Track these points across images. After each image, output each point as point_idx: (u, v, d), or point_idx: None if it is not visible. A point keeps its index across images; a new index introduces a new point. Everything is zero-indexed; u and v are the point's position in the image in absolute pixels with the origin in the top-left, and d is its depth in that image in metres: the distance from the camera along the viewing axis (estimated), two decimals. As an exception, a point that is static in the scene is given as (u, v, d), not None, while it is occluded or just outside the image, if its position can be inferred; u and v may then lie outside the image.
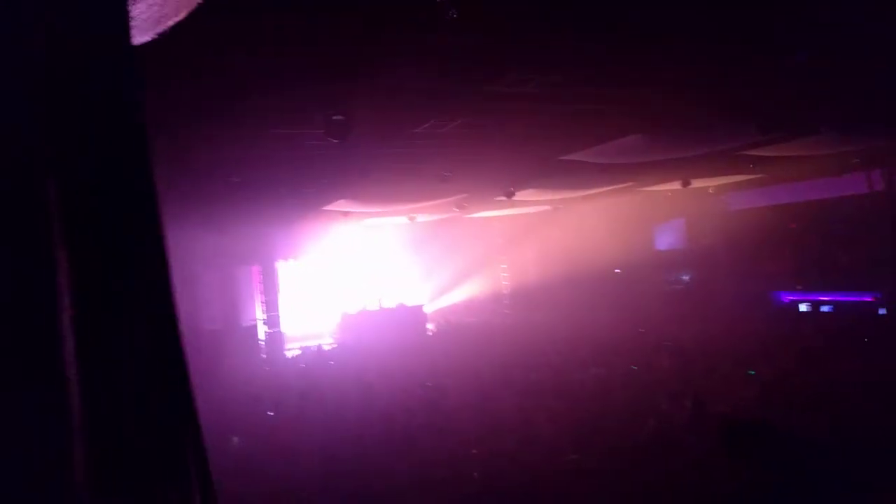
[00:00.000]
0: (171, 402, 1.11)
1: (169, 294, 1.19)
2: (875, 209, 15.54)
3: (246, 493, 6.58)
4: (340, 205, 13.06)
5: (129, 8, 1.27)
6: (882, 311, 14.89)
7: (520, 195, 13.55)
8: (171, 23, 1.75)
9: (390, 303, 19.88)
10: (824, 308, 16.61)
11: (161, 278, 1.16)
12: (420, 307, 20.23)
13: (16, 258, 1.00)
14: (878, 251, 15.59)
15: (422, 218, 17.87)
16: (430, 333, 19.75)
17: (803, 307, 17.10)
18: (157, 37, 1.71)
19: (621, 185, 14.40)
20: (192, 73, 4.84)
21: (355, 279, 20.86)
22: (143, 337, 1.11)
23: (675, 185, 14.90)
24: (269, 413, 10.38)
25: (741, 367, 10.30)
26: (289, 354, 18.34)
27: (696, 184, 15.10)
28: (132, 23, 1.51)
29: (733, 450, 2.29)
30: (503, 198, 13.37)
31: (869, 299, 15.78)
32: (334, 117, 6.05)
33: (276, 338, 18.80)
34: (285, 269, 20.10)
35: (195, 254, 16.62)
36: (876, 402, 7.55)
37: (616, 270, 20.80)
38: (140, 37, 1.67)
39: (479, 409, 9.50)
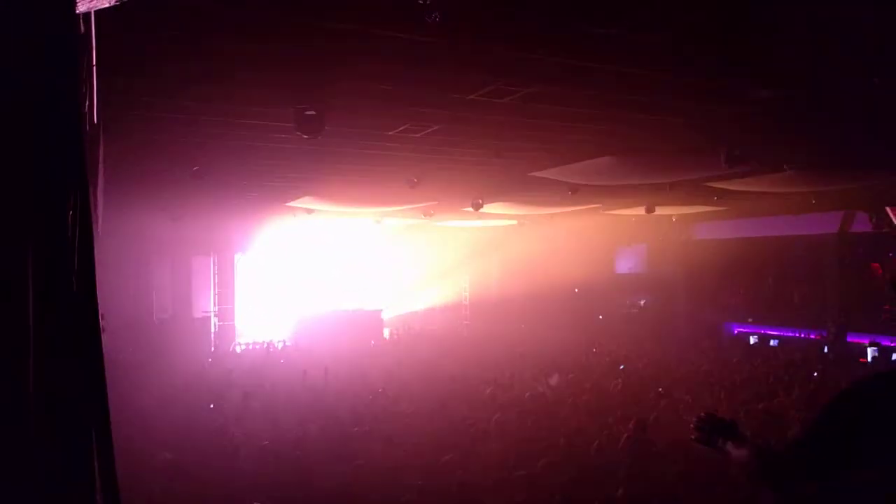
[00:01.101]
0: (78, 398, 1.05)
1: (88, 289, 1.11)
2: (826, 250, 16.06)
3: (178, 492, 6.34)
4: (306, 201, 12.84)
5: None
6: (825, 349, 15.35)
7: (488, 207, 13.55)
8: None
9: (349, 305, 19.64)
10: (773, 342, 17.06)
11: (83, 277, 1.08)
12: (378, 312, 20.04)
13: None
14: (827, 291, 16.10)
15: (389, 221, 17.74)
16: (388, 339, 19.57)
17: (752, 339, 17.52)
18: (116, 3, 1.58)
19: (587, 206, 14.55)
20: (158, 52, 4.67)
21: (315, 278, 20.55)
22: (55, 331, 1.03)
23: (640, 211, 15.12)
24: (210, 406, 10.08)
25: (689, 393, 10.45)
26: (238, 349, 17.92)
27: (660, 211, 15.35)
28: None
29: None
30: (471, 209, 13.35)
31: (814, 337, 16.27)
32: (307, 112, 5.91)
33: (227, 331, 18.37)
34: (243, 263, 19.68)
35: (150, 241, 16.12)
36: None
37: (575, 289, 21.00)
38: (97, 2, 1.54)
39: (428, 419, 9.41)
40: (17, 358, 1.04)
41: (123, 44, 4.12)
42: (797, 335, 16.72)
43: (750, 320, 18.22)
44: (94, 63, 4.01)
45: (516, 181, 10.83)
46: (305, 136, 6.01)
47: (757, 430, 8.09)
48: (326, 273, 20.78)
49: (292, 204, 13.19)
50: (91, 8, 1.63)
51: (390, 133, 7.43)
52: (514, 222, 18.97)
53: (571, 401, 10.38)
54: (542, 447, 7.76)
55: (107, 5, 1.56)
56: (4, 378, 1.04)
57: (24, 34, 1.09)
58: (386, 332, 19.88)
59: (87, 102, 4.50)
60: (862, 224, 14.85)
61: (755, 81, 5.62)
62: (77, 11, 1.39)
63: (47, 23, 1.12)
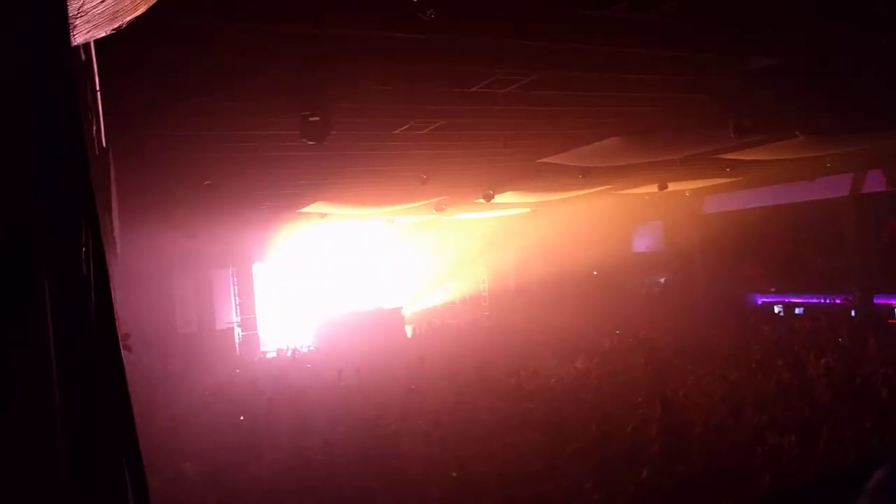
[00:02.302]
0: (106, 410, 1.09)
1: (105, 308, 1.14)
2: (843, 213, 15.82)
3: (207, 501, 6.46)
4: (318, 206, 12.92)
5: (75, 2, 1.19)
6: (853, 313, 15.14)
7: (499, 198, 13.53)
8: (128, 18, 1.65)
9: (368, 305, 19.73)
10: (798, 310, 16.85)
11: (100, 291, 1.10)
12: (399, 309, 20.10)
13: None
14: (848, 254, 15.87)
15: (401, 220, 17.77)
16: (410, 335, 19.64)
17: (777, 309, 17.33)
18: (113, 32, 1.61)
19: (599, 188, 14.46)
20: (160, 72, 4.72)
21: (333, 281, 20.67)
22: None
23: (653, 189, 15.01)
24: (240, 418, 10.21)
25: (715, 370, 10.38)
26: (265, 357, 18.10)
27: (673, 187, 15.23)
28: (83, 17, 1.42)
29: None
30: (482, 200, 13.34)
31: (840, 301, 16.04)
32: (311, 118, 5.94)
33: (251, 341, 18.55)
34: (261, 272, 19.86)
35: (170, 258, 16.35)
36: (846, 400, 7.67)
37: (594, 272, 20.90)
38: (94, 32, 1.57)
39: (455, 412, 9.46)
40: (43, 402, 1.07)
41: (125, 67, 4.18)
42: (822, 301, 16.50)
43: (773, 290, 18.01)
44: (98, 88, 4.07)
45: (526, 169, 10.80)
46: (311, 143, 6.05)
47: (788, 402, 8.05)
48: (344, 275, 20.89)
49: (305, 210, 13.28)
50: (88, 39, 1.67)
51: (395, 132, 7.45)
52: (527, 210, 18.91)
53: (597, 384, 10.37)
54: (571, 433, 7.77)
55: (104, 34, 1.59)
56: (31, 422, 1.06)
57: (21, 67, 1.11)
58: (408, 330, 19.94)
59: (95, 128, 4.57)
60: (875, 183, 14.62)
61: (755, 50, 5.55)
62: (74, 44, 1.42)
63: (44, 56, 1.13)
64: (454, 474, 6.86)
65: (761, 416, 7.47)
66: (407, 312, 20.63)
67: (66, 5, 1.24)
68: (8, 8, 1.06)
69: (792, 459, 6.18)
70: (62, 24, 1.18)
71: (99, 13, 1.47)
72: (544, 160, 9.94)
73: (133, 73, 4.42)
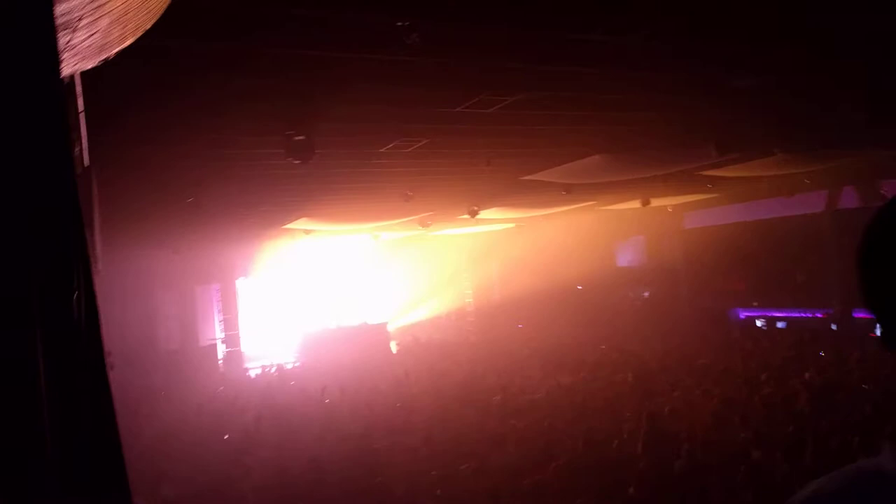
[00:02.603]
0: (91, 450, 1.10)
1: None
2: (821, 229, 16.09)
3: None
4: (302, 223, 12.91)
5: (63, 38, 1.21)
6: (833, 327, 15.34)
7: (483, 213, 13.60)
8: (116, 49, 1.67)
9: (353, 320, 19.66)
10: (780, 324, 17.05)
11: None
12: (384, 325, 20.06)
13: None
14: (827, 269, 16.11)
15: (386, 235, 17.77)
16: (395, 351, 19.58)
17: (759, 323, 17.52)
18: (102, 63, 1.63)
19: (583, 204, 14.59)
20: (142, 91, 4.73)
21: (317, 297, 20.59)
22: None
23: (636, 204, 15.16)
24: (224, 437, 10.09)
25: (700, 384, 10.45)
26: (249, 374, 17.94)
27: (656, 203, 15.40)
28: (71, 51, 1.43)
29: None
30: (467, 216, 13.41)
31: (821, 315, 16.26)
32: (296, 137, 5.95)
33: (235, 357, 18.38)
34: (245, 288, 19.72)
35: (153, 274, 16.22)
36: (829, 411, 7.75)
37: (578, 286, 21.01)
38: (83, 63, 1.59)
39: (442, 428, 9.42)
40: (29, 407, 1.08)
41: (108, 88, 4.18)
42: (805, 315, 16.71)
43: (755, 304, 18.22)
44: (82, 109, 4.07)
45: (510, 186, 10.88)
46: (296, 162, 6.06)
47: (771, 415, 8.12)
48: (329, 290, 20.82)
49: (289, 226, 13.25)
50: (76, 70, 1.69)
51: (381, 150, 7.49)
52: (511, 225, 19.00)
53: (582, 399, 10.39)
54: (558, 450, 7.77)
55: (91, 66, 1.61)
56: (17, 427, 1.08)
57: (8, 96, 1.12)
58: (393, 346, 19.88)
59: (78, 148, 4.56)
60: (849, 200, 14.92)
61: (735, 71, 5.67)
62: (61, 76, 1.43)
63: (32, 84, 1.15)
64: (438, 492, 6.83)
65: (747, 431, 7.53)
66: (392, 327, 20.59)
67: (56, 40, 1.25)
68: None
69: (779, 475, 6.22)
70: (52, 58, 1.20)
71: (87, 47, 1.49)
72: (528, 177, 10.03)
73: (116, 92, 4.42)
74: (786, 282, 17.32)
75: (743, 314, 18.50)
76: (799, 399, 8.67)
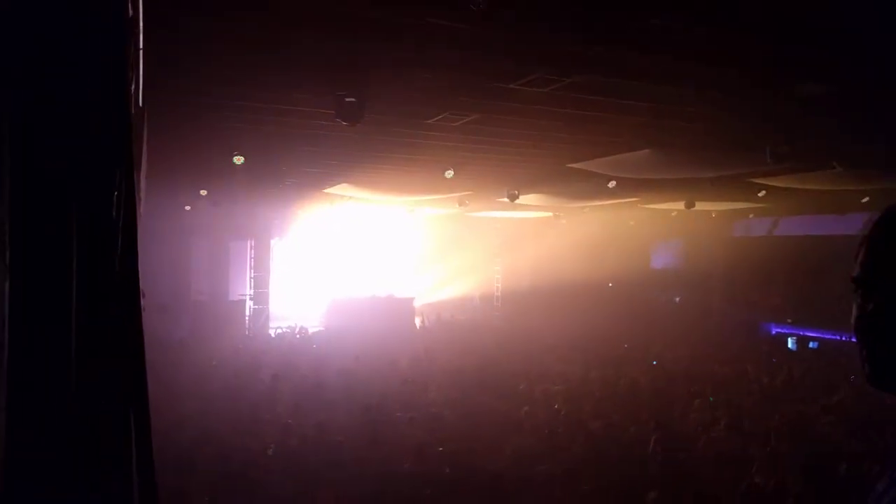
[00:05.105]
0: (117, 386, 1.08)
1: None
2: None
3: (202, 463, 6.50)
4: (343, 188, 12.93)
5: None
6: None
7: (523, 198, 13.44)
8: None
9: (381, 292, 19.75)
10: (811, 344, 16.59)
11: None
12: (410, 300, 20.10)
13: None
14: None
15: (422, 211, 17.72)
16: (418, 327, 19.64)
17: (790, 341, 17.07)
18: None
19: (626, 200, 14.31)
20: (198, 37, 4.71)
21: (348, 265, 20.71)
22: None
23: (679, 206, 14.83)
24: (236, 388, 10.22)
25: (724, 392, 10.23)
26: (272, 333, 18.19)
27: (700, 206, 15.04)
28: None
29: None
30: (506, 199, 13.26)
31: (854, 340, 15.72)
32: (347, 98, 5.91)
33: (262, 314, 18.64)
34: (279, 248, 19.93)
35: (190, 224, 16.46)
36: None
37: (609, 284, 20.74)
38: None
39: (455, 409, 9.43)
40: (60, 341, 1.06)
41: (170, 28, 4.18)
42: (838, 338, 16.22)
43: (789, 321, 17.76)
44: (141, 46, 4.07)
45: (554, 172, 10.71)
46: (345, 123, 6.02)
47: (787, 434, 7.91)
48: (360, 260, 20.92)
49: (329, 191, 13.29)
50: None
51: (429, 121, 7.41)
52: (549, 214, 18.78)
53: (600, 394, 10.28)
54: (570, 442, 7.70)
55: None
56: (45, 356, 1.07)
57: (73, 17, 1.10)
58: (417, 321, 19.94)
59: (133, 86, 4.57)
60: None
61: (804, 77, 5.43)
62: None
63: (96, 8, 1.13)
64: (447, 470, 6.82)
65: (764, 449, 7.36)
66: (417, 304, 20.63)
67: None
68: None
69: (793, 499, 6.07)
70: None
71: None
72: (574, 164, 9.84)
73: (177, 36, 4.41)
74: (824, 302, 16.80)
75: (775, 329, 18.06)
76: (822, 422, 8.44)
